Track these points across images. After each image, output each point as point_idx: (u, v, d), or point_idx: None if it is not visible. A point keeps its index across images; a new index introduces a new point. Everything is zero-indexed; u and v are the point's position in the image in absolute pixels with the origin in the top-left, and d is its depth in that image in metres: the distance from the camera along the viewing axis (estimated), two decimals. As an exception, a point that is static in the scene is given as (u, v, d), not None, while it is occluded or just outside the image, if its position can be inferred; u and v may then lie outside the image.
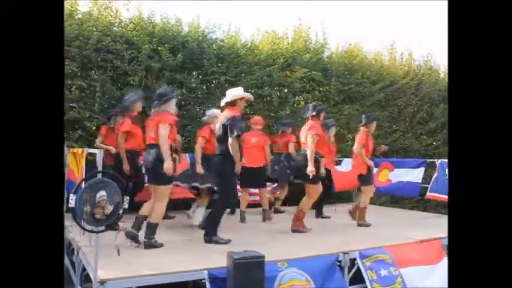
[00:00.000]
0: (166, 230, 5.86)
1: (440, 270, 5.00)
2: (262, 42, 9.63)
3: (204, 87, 8.56)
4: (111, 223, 3.65)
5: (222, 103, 5.34)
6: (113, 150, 6.03)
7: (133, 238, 4.81)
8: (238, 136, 5.00)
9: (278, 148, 7.40)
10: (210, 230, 5.08)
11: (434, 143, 11.43)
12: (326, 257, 4.56)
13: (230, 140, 4.95)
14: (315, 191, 5.98)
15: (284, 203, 8.08)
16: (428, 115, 11.49)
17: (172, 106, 4.95)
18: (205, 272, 3.84)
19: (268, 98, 9.15)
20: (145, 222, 4.90)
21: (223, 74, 8.52)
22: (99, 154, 3.74)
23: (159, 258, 4.31)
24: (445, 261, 5.15)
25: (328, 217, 7.42)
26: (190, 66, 8.39)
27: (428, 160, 8.91)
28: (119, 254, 4.02)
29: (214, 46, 8.67)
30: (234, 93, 5.27)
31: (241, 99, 5.26)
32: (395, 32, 24.45)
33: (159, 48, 7.87)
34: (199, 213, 6.16)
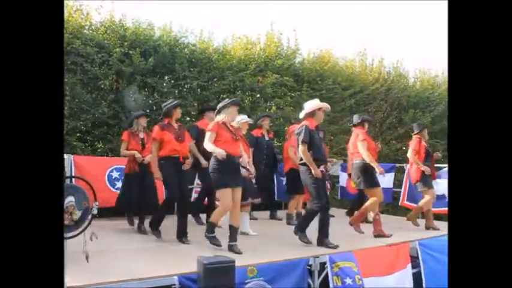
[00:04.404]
0: (136, 235, 5.80)
1: (405, 276, 5.14)
2: (234, 47, 9.66)
3: (176, 92, 8.52)
4: None
5: (301, 115, 5.56)
6: (138, 155, 5.85)
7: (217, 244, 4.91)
8: (305, 143, 5.27)
9: None
10: (301, 226, 5.47)
11: (403, 148, 11.64)
12: (297, 261, 4.59)
13: (301, 147, 5.26)
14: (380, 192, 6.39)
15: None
16: (397, 121, 11.74)
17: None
18: (176, 277, 3.83)
19: (240, 103, 9.17)
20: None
21: (195, 79, 8.50)
22: (67, 159, 3.69)
23: (129, 264, 4.26)
24: (409, 267, 5.28)
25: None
26: (162, 71, 8.35)
27: (398, 165, 9.10)
28: (87, 261, 3.96)
29: (186, 50, 8.66)
30: (312, 104, 5.53)
31: (319, 109, 5.49)
32: (367, 39, 24.91)
33: (131, 52, 7.80)
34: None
